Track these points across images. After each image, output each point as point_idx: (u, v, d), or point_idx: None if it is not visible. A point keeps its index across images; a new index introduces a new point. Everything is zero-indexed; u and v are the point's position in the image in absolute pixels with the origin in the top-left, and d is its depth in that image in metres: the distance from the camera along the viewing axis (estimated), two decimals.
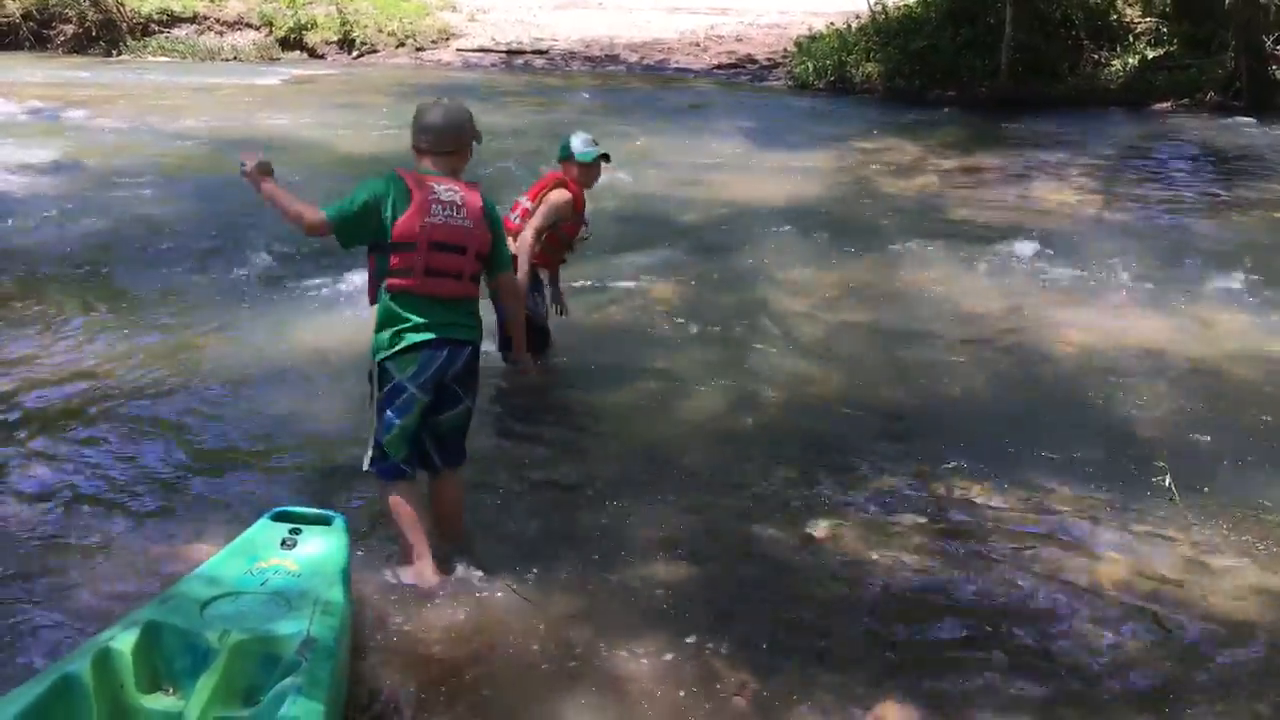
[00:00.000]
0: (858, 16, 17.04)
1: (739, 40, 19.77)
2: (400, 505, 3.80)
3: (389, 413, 3.70)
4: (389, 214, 3.61)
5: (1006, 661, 3.57)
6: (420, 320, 3.63)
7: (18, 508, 4.32)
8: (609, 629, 3.68)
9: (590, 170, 5.58)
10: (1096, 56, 15.31)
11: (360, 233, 3.67)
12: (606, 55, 19.39)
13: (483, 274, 3.83)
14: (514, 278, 3.98)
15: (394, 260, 3.64)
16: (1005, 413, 5.47)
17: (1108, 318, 6.73)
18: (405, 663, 3.48)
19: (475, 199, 3.74)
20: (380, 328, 3.71)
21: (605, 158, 5.59)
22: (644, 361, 5.82)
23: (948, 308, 6.89)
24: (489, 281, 3.89)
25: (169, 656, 3.00)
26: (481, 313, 3.92)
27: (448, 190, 3.70)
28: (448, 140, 3.77)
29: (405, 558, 3.84)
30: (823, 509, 4.47)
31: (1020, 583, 4.00)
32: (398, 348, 3.64)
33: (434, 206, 3.65)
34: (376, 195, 3.64)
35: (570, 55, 19.47)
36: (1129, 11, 16.35)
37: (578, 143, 5.55)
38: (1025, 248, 8.13)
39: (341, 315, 6.50)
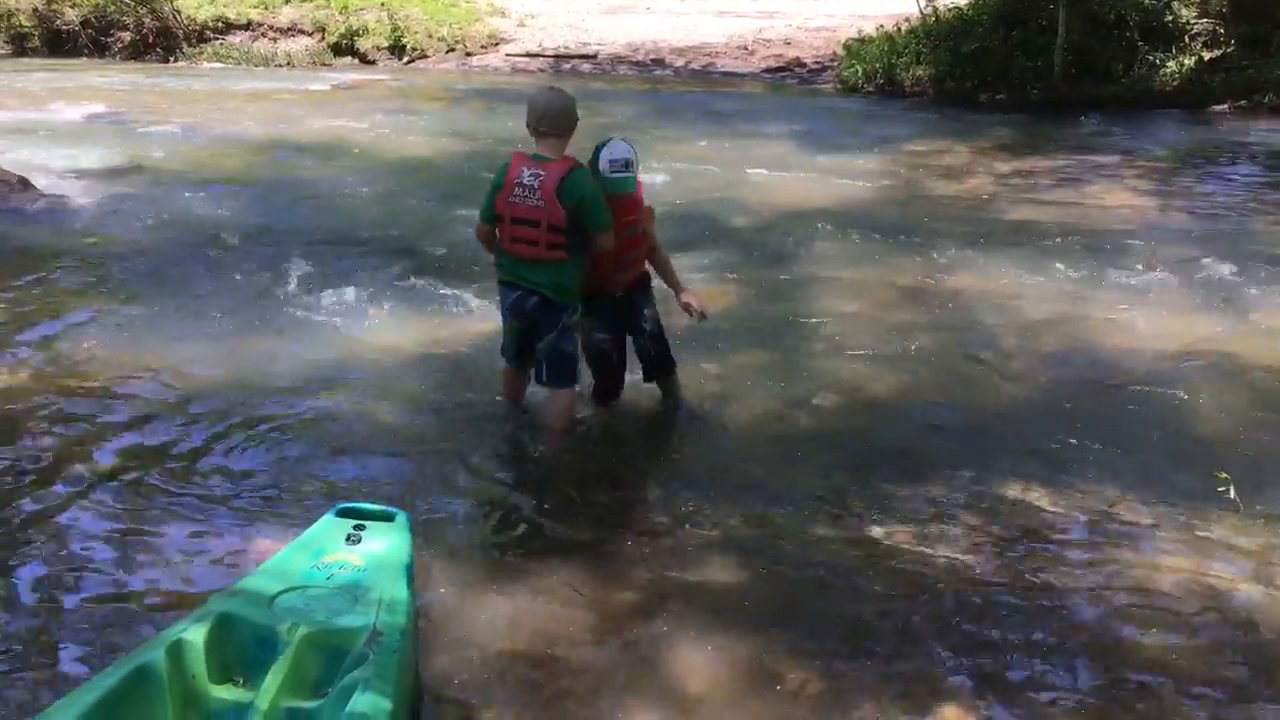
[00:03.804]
0: (907, 19, 16.92)
1: (787, 43, 19.69)
2: (504, 380, 5.22)
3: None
4: (492, 195, 4.66)
5: (1067, 666, 3.57)
6: (506, 269, 4.77)
7: (91, 505, 4.43)
8: (668, 627, 3.71)
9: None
10: (1151, 58, 15.05)
11: (491, 215, 4.72)
12: (653, 59, 19.39)
13: (574, 240, 4.59)
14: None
15: (497, 225, 4.68)
16: (1063, 417, 5.41)
17: (1166, 321, 6.65)
18: (467, 657, 3.53)
19: (551, 181, 4.50)
20: None
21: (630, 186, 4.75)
22: (697, 365, 5.82)
23: (1003, 311, 6.84)
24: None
25: (240, 648, 3.06)
26: None
27: (531, 174, 4.54)
28: (544, 122, 4.58)
29: None
30: (880, 511, 4.46)
31: (1081, 587, 3.98)
32: (498, 283, 4.86)
33: (515, 189, 4.55)
34: (493, 184, 4.68)
35: (617, 59, 19.50)
36: (1184, 12, 16.09)
37: (604, 162, 4.74)
38: (1081, 250, 8.05)
39: (404, 317, 6.60)
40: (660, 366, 5.35)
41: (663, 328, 5.30)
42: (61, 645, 3.54)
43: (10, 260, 7.77)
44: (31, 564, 3.99)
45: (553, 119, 4.56)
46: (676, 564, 4.13)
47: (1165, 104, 14.39)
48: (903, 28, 16.83)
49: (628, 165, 4.75)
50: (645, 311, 5.19)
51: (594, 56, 19.75)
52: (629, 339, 5.24)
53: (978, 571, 4.06)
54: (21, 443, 4.95)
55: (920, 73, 15.91)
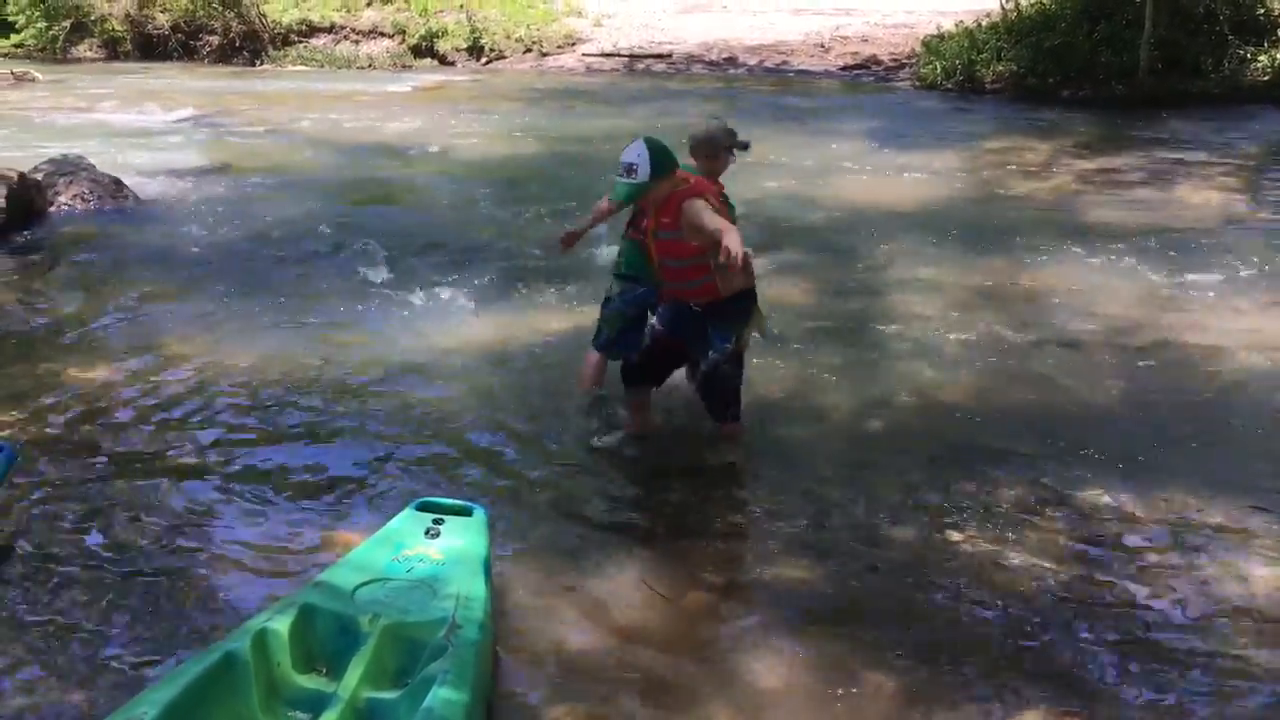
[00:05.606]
0: (988, 15, 16.65)
1: (864, 41, 19.49)
2: (588, 367, 5.45)
3: None
4: None
5: (1149, 677, 3.48)
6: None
7: (180, 499, 4.55)
8: (743, 625, 3.72)
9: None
10: (1242, 52, 14.63)
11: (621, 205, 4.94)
12: (726, 58, 19.34)
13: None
14: None
15: None
16: (1147, 420, 5.29)
17: (1255, 322, 6.47)
18: (540, 652, 3.57)
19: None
20: None
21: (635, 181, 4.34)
22: (772, 363, 5.80)
23: (1084, 312, 6.71)
24: None
25: (322, 638, 3.14)
26: None
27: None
28: (694, 151, 4.96)
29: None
30: (958, 514, 4.41)
31: (1166, 596, 3.89)
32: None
33: None
34: None
35: (691, 59, 19.48)
36: (1277, 5, 15.61)
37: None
38: (1166, 250, 7.86)
39: (482, 315, 6.69)
40: (711, 410, 4.90)
41: (721, 381, 4.72)
42: (150, 633, 3.65)
43: (103, 258, 8.04)
44: (120, 554, 4.12)
45: (692, 146, 5.00)
46: (751, 563, 4.13)
47: (1256, 99, 13.95)
48: (983, 23, 16.57)
49: (629, 170, 4.29)
50: (710, 352, 4.62)
51: (668, 56, 19.75)
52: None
53: (1059, 577, 3.99)
54: (110, 435, 5.11)
55: (1001, 69, 15.65)
